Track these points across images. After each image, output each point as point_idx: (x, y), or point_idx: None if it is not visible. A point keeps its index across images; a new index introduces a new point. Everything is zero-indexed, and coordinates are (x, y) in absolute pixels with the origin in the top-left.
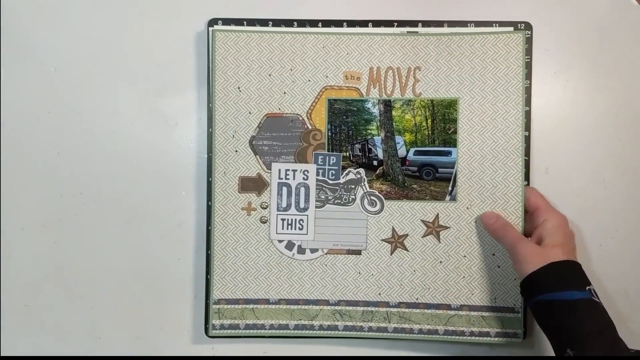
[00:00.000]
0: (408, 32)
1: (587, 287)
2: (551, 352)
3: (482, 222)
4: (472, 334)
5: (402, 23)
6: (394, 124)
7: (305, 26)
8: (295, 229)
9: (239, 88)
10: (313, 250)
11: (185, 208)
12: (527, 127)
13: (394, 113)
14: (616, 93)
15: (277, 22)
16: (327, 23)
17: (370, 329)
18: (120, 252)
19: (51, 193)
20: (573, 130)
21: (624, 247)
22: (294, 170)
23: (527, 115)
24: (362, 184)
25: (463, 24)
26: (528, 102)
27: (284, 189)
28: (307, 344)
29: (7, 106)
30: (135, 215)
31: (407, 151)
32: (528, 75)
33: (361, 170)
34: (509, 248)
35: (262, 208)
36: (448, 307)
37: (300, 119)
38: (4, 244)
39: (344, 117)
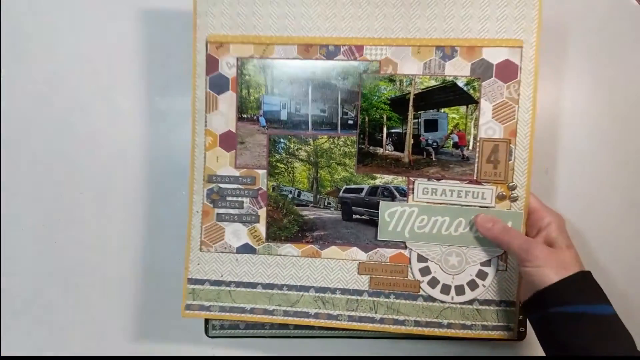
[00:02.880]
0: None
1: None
2: None
3: (477, 227)
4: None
5: None
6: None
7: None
8: None
9: None
10: None
11: (185, 208)
12: None
13: None
14: (616, 93)
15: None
16: None
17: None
18: (120, 252)
19: (51, 193)
20: (573, 130)
21: (624, 247)
22: None
23: None
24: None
25: None
26: None
27: None
28: (307, 344)
29: (7, 106)
30: (135, 215)
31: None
32: None
33: None
34: (520, 253)
35: None
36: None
37: None
38: (4, 244)
39: None
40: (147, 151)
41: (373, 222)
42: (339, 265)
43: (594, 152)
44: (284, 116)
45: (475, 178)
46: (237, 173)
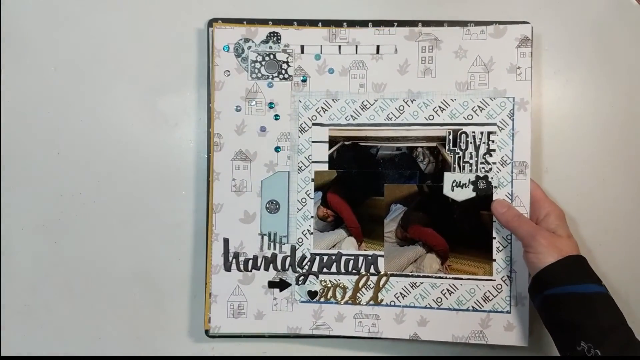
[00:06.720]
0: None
1: (602, 283)
2: (553, 352)
3: (492, 210)
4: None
5: (402, 23)
6: None
7: (305, 26)
8: None
9: None
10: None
11: (185, 208)
12: None
13: None
14: (616, 93)
15: (277, 22)
16: (327, 23)
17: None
18: (120, 252)
19: (51, 193)
20: (573, 130)
21: (624, 247)
22: None
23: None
24: None
25: (463, 23)
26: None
27: None
28: (307, 344)
29: (7, 106)
30: (135, 216)
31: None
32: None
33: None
34: (526, 238)
35: None
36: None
37: None
38: (4, 244)
39: None
40: (147, 151)
41: None
42: None
43: (594, 152)
44: None
45: None
46: None
